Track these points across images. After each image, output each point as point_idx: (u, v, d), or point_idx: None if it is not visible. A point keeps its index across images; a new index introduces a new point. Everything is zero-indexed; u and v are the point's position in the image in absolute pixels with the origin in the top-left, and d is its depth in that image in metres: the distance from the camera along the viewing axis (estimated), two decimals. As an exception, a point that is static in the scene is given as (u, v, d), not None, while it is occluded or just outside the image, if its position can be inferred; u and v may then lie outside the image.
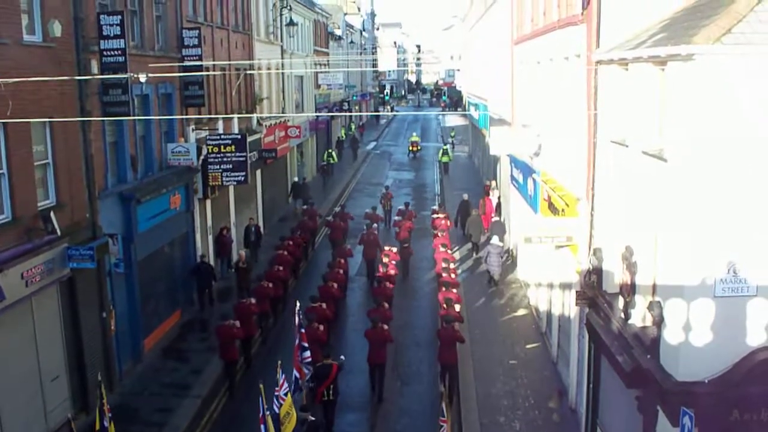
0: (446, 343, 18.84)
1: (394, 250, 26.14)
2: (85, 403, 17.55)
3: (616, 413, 14.56)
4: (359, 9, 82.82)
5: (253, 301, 20.95)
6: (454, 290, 22.15)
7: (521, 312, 24.25)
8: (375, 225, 30.00)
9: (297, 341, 17.01)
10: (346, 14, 71.50)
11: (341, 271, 24.35)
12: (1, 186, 14.88)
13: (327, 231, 31.66)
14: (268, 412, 13.47)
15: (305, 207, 34.76)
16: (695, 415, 10.51)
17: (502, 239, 27.29)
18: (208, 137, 25.64)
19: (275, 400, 14.50)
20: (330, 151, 50.40)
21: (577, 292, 16.18)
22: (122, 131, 19.65)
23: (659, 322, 11.84)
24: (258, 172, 33.65)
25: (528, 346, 21.57)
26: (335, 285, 22.77)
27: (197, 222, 25.37)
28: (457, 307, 21.19)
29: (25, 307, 15.34)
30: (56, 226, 16.05)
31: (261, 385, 13.83)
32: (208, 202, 26.67)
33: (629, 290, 13.35)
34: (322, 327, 19.16)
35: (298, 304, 17.91)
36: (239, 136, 26.08)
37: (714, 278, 11.04)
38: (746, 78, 10.58)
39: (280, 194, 39.79)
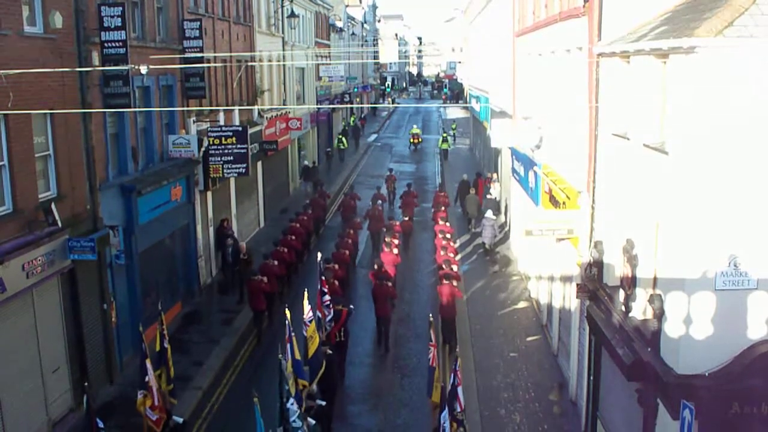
0: (446, 298, 20.97)
1: (398, 223, 29.14)
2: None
3: (617, 406, 14.58)
4: (361, 1, 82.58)
5: (275, 262, 23.47)
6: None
7: (522, 304, 24.27)
8: (380, 202, 33.09)
9: (318, 287, 19.08)
10: (347, 6, 71.29)
11: (350, 241, 27.10)
12: (2, 178, 14.89)
13: (339, 209, 35.16)
14: (293, 334, 15.52)
15: (318, 188, 38.16)
16: (695, 408, 10.53)
17: (495, 213, 30.19)
18: (209, 129, 25.63)
19: (302, 325, 16.74)
20: (340, 137, 55.14)
21: (577, 284, 16.18)
22: (123, 123, 19.63)
23: (660, 315, 11.85)
24: (259, 164, 33.69)
25: (528, 339, 21.60)
26: (347, 252, 25.87)
27: (198, 214, 25.37)
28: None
29: (26, 298, 15.37)
30: (57, 217, 16.04)
31: (287, 311, 15.79)
32: (209, 194, 26.67)
33: (630, 283, 13.36)
34: (337, 283, 21.90)
35: (320, 255, 20.20)
36: (240, 128, 26.06)
37: (715, 271, 11.04)
38: (748, 71, 10.56)
39: (281, 186, 39.81)
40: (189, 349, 21.01)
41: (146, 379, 15.01)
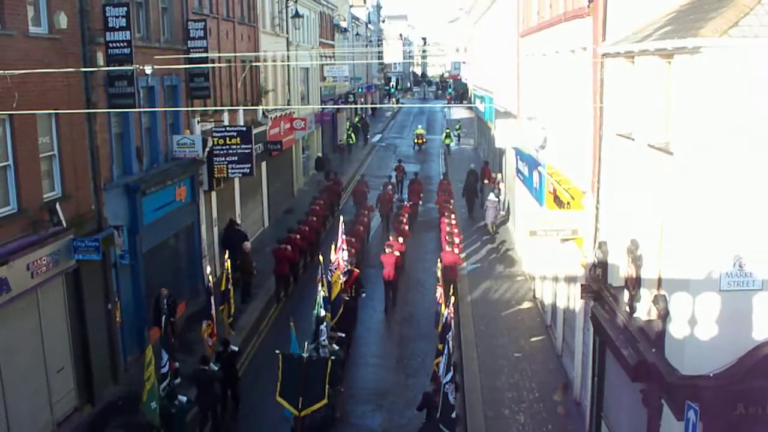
0: (449, 263, 23.97)
1: (407, 205, 33.56)
2: (90, 394, 17.61)
3: (621, 407, 14.56)
4: (365, 1, 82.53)
5: (298, 236, 26.86)
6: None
7: (526, 305, 24.25)
8: (390, 187, 36.52)
9: (339, 243, 22.62)
10: (351, 6, 71.26)
11: (365, 219, 31.23)
12: (7, 178, 14.92)
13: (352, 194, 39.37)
14: (323, 276, 19.41)
15: (330, 176, 41.54)
16: (700, 408, 10.51)
17: (496, 196, 34.04)
18: (213, 129, 25.63)
19: (328, 271, 20.57)
20: (350, 132, 59.28)
21: (582, 285, 16.16)
22: (128, 123, 19.65)
23: (664, 315, 11.82)
24: (263, 164, 33.69)
25: (533, 339, 21.57)
26: (362, 228, 29.73)
27: (203, 214, 25.39)
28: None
29: (30, 298, 15.39)
30: (62, 217, 16.09)
31: (321, 257, 20.46)
32: (214, 194, 26.68)
33: (634, 284, 13.33)
34: (353, 250, 24.90)
35: (341, 218, 24.31)
36: (245, 128, 26.07)
37: (720, 272, 11.02)
38: (753, 71, 10.54)
39: (285, 186, 39.82)
40: (193, 349, 20.94)
41: (211, 311, 18.62)
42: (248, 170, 25.86)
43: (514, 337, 21.73)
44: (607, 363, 15.30)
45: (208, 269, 20.48)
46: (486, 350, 20.85)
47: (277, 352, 15.31)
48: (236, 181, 29.06)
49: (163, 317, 18.00)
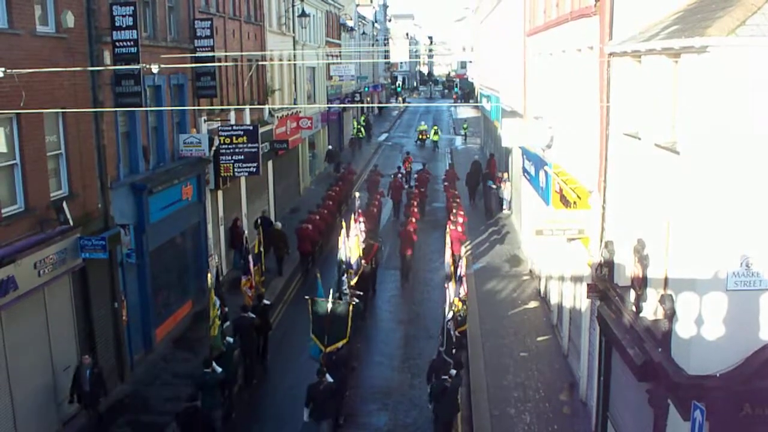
0: (455, 239, 26.20)
1: (415, 192, 36.65)
2: (97, 392, 17.64)
3: (627, 406, 14.54)
4: (371, 0, 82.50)
5: (317, 217, 29.50)
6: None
7: (532, 304, 24.22)
8: (399, 175, 39.56)
9: (355, 217, 24.80)
10: (358, 5, 71.14)
11: (377, 203, 34.10)
12: (15, 176, 14.96)
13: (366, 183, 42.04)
14: (346, 240, 21.98)
15: (342, 168, 45.29)
16: (706, 409, 10.48)
17: (494, 184, 37.20)
18: (220, 128, 25.66)
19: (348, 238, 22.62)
20: (359, 127, 63.25)
21: (588, 284, 16.14)
22: (134, 122, 19.69)
23: (671, 315, 11.80)
24: (269, 163, 33.73)
25: (539, 339, 21.55)
26: (375, 210, 32.78)
27: (209, 213, 25.42)
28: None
29: (37, 296, 15.44)
30: (69, 216, 16.12)
31: (343, 222, 23.42)
32: (220, 193, 26.72)
33: (641, 283, 13.31)
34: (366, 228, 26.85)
35: (357, 194, 28.62)
36: (251, 127, 26.09)
37: (726, 272, 10.98)
38: (761, 70, 10.50)
39: (291, 185, 39.86)
40: (199, 348, 20.98)
41: (248, 267, 21.42)
42: (254, 169, 25.88)
43: (520, 337, 21.71)
44: (613, 363, 15.27)
45: (246, 232, 24.00)
46: (492, 349, 20.84)
47: (307, 297, 18.12)
48: (242, 180, 29.07)
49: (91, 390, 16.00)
